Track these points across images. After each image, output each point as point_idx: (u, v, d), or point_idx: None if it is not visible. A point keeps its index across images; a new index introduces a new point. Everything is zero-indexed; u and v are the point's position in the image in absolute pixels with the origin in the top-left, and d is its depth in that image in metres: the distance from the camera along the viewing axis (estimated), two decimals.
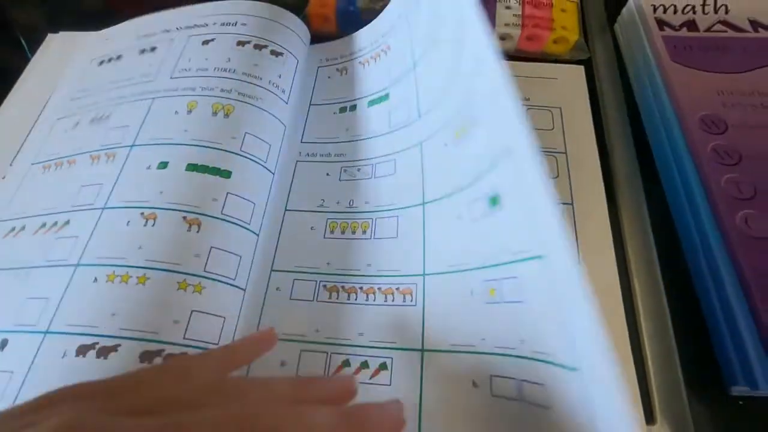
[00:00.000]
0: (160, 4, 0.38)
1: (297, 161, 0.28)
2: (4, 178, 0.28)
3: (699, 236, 0.24)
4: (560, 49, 0.34)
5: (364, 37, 0.33)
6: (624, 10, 0.34)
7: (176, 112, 0.26)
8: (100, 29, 0.34)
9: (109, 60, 0.31)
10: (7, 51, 0.39)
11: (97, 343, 0.20)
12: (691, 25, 0.31)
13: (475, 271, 0.22)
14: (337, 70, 0.32)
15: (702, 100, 0.28)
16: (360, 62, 0.32)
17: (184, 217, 0.22)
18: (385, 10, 0.32)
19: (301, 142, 0.29)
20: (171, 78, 0.28)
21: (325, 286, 0.24)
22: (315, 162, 0.28)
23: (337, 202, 0.26)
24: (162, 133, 0.25)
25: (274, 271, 0.24)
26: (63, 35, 0.35)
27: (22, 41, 0.38)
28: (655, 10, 0.32)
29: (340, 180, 0.27)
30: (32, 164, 0.27)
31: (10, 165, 0.28)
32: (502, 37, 0.33)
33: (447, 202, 0.24)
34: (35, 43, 0.35)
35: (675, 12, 0.32)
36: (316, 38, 0.34)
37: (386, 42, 0.31)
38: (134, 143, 0.25)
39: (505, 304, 0.21)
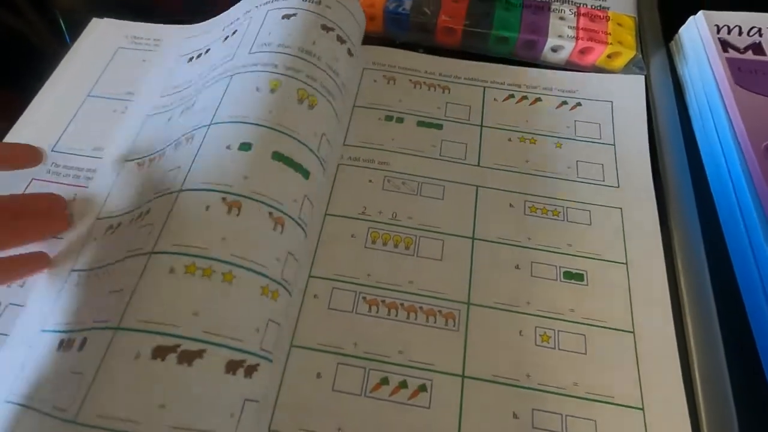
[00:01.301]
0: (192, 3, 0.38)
1: (339, 164, 0.28)
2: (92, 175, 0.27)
3: (759, 272, 0.23)
4: (615, 64, 0.32)
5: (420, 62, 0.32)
6: (683, 28, 0.33)
7: (257, 89, 0.23)
8: (140, 15, 0.34)
9: (198, 56, 0.30)
10: (46, 33, 0.39)
11: (179, 345, 0.17)
12: (757, 48, 0.30)
13: (526, 316, 0.22)
14: (385, 77, 0.31)
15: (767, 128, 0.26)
16: (411, 81, 0.31)
17: (270, 213, 0.21)
18: None
19: (344, 144, 0.28)
20: (250, 53, 0.25)
21: (364, 298, 0.23)
22: (357, 167, 0.27)
23: (380, 212, 0.26)
24: (242, 111, 0.22)
25: (312, 277, 0.24)
26: (108, 21, 0.34)
27: (62, 24, 0.37)
28: (718, 30, 0.31)
29: (383, 189, 0.26)
30: (126, 161, 0.26)
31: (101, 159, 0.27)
32: (554, 49, 0.32)
33: (501, 249, 0.24)
34: (74, 27, 0.35)
35: (740, 33, 0.31)
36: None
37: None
38: (212, 122, 0.23)
39: (561, 351, 0.21)
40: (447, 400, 0.20)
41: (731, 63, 0.29)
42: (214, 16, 0.33)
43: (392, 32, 0.34)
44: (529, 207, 0.26)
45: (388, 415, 0.20)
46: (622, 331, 0.23)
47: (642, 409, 0.21)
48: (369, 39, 0.34)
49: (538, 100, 0.31)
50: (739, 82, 0.28)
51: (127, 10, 0.35)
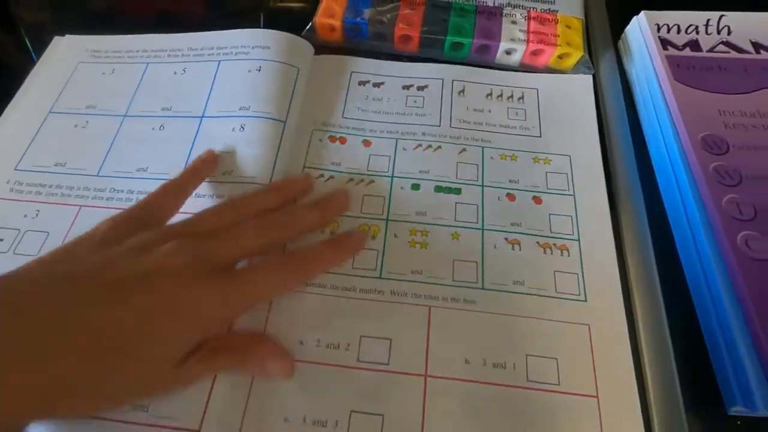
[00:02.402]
0: (165, 7, 0.39)
1: None
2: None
3: (700, 257, 0.25)
4: (564, 64, 0.34)
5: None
6: (628, 28, 0.35)
7: None
8: (106, 31, 0.35)
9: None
10: (13, 50, 0.39)
11: None
12: (694, 45, 0.32)
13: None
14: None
15: (704, 120, 0.28)
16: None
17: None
18: None
19: None
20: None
21: None
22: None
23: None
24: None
25: None
26: (69, 38, 0.35)
27: (27, 42, 0.38)
28: (659, 29, 0.33)
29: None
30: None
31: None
32: (508, 52, 0.34)
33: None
34: (40, 44, 0.35)
35: (678, 32, 0.32)
36: (322, 49, 0.34)
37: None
38: None
39: None
40: None
41: (671, 60, 0.31)
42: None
43: (352, 41, 0.35)
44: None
45: None
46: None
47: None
48: (330, 49, 0.35)
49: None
50: (678, 78, 0.30)
51: (94, 24, 0.36)
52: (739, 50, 0.32)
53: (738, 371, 0.21)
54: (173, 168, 0.27)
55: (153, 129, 0.29)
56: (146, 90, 0.31)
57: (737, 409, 0.21)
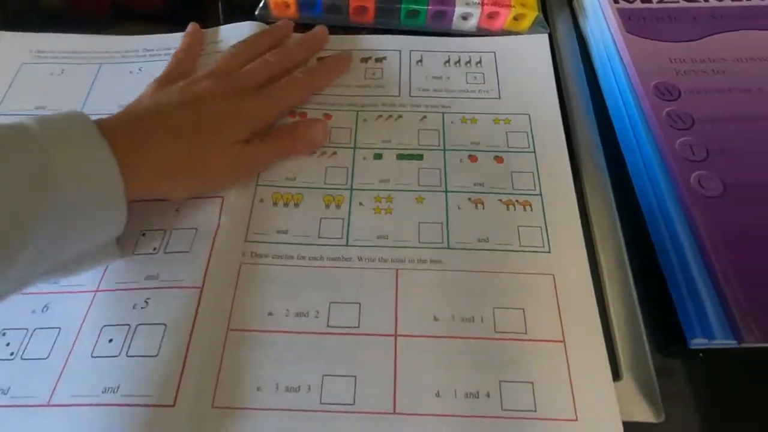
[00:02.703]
0: (119, 6, 0.38)
1: None
2: None
3: (657, 199, 0.25)
4: (521, 26, 0.34)
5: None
6: None
7: None
8: (60, 30, 0.34)
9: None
10: None
11: None
12: None
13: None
14: None
15: (656, 68, 0.29)
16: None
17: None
18: None
19: None
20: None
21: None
22: None
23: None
24: None
25: None
26: (11, 35, 0.34)
27: None
28: None
29: None
30: None
31: None
32: (464, 17, 0.34)
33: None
34: None
35: None
36: None
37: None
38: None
39: None
40: None
41: (622, 13, 0.31)
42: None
43: (307, 17, 0.35)
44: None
45: None
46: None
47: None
48: None
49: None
50: (630, 30, 0.30)
51: (39, 21, 0.35)
52: None
53: (696, 303, 0.22)
54: None
55: None
56: (101, 90, 0.31)
57: (697, 341, 0.22)
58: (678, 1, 0.32)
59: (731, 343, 0.21)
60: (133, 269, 0.24)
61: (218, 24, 0.34)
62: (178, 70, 0.30)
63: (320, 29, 0.33)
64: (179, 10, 0.38)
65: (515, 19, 0.34)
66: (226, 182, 0.26)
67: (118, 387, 0.21)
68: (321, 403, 0.21)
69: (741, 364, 0.23)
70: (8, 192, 0.18)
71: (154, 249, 0.24)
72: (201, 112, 0.25)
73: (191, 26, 0.33)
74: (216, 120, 0.25)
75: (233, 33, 0.33)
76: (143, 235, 0.25)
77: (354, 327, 0.23)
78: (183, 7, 0.38)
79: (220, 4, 0.37)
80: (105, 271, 0.24)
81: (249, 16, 0.34)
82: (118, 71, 0.32)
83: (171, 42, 0.33)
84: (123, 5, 0.38)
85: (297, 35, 0.33)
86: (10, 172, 0.18)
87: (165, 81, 0.28)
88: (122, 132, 0.22)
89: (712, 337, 0.21)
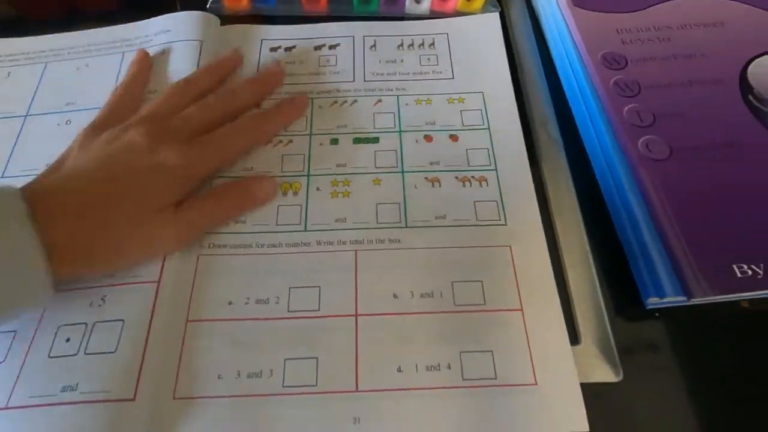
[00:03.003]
0: (74, 9, 0.37)
1: None
2: None
3: (608, 164, 0.26)
4: (473, 6, 0.34)
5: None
6: None
7: None
8: (11, 36, 0.33)
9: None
10: None
11: None
12: None
13: None
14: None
15: (603, 39, 0.29)
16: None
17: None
18: None
19: None
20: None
21: None
22: None
23: None
24: None
25: None
26: None
27: None
28: None
29: None
30: None
31: None
32: (417, 0, 0.34)
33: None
34: None
35: None
36: (233, 19, 0.34)
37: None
38: None
39: None
40: None
41: None
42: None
43: (260, 8, 0.35)
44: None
45: None
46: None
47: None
48: (241, 18, 0.34)
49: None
50: (576, 3, 0.31)
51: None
52: None
53: (648, 264, 0.23)
54: None
55: (59, 125, 0.29)
56: (48, 88, 0.30)
57: (652, 300, 0.23)
58: None
59: (682, 300, 0.22)
60: None
61: None
62: (113, 115, 0.26)
63: (275, 66, 0.30)
64: (134, 4, 0.37)
65: (467, 0, 0.34)
66: (158, 254, 0.23)
67: (77, 385, 0.20)
68: (284, 386, 0.21)
69: (693, 323, 0.23)
70: None
71: None
72: (118, 176, 0.22)
73: (138, 53, 0.30)
74: (135, 184, 0.22)
75: (179, 23, 0.32)
76: None
77: (315, 310, 0.23)
78: (138, 2, 0.37)
79: (177, 2, 0.37)
80: None
81: (203, 8, 0.34)
82: (64, 68, 0.31)
83: (116, 35, 0.32)
84: (77, 8, 0.38)
85: (249, 77, 0.30)
86: None
87: (93, 132, 0.25)
88: (41, 208, 0.20)
89: (664, 294, 0.22)
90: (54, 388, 0.20)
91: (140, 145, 0.23)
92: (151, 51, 0.31)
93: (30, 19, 0.37)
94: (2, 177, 0.27)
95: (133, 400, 0.20)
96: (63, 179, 0.22)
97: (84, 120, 0.28)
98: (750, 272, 0.21)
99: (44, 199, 0.21)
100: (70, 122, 0.29)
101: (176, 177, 0.23)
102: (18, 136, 0.28)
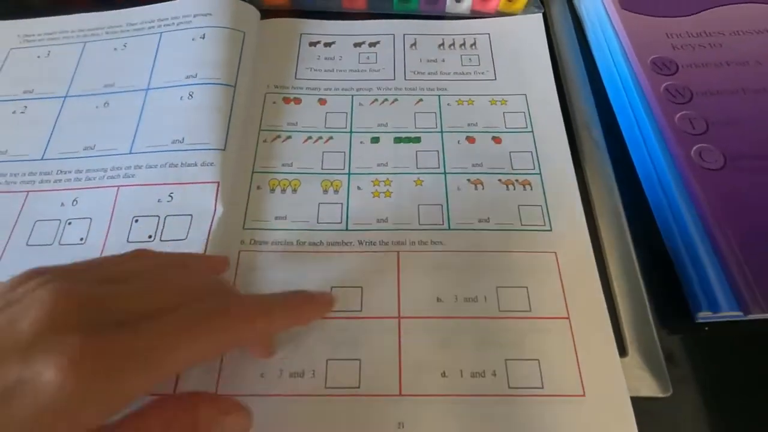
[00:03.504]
0: None
1: None
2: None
3: (657, 172, 0.25)
4: (515, 6, 0.34)
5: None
6: None
7: None
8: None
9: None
10: None
11: None
12: None
13: None
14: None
15: (652, 44, 0.28)
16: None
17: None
18: None
19: None
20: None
21: None
22: None
23: None
24: None
25: None
26: None
27: None
28: None
29: None
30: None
31: None
32: (458, 0, 0.33)
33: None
34: None
35: None
36: (271, 13, 0.33)
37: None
38: None
39: None
40: None
41: None
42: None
43: (300, 3, 0.34)
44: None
45: None
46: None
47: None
48: (279, 12, 0.34)
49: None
50: (625, 6, 0.30)
51: (27, 13, 0.34)
52: None
53: (701, 277, 0.22)
54: (121, 143, 0.26)
55: (97, 107, 0.28)
56: (86, 69, 0.30)
57: (703, 314, 0.22)
58: None
59: (737, 315, 0.21)
60: None
61: None
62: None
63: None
64: None
65: (509, 0, 0.33)
66: None
67: None
68: (326, 387, 0.21)
69: (745, 338, 0.23)
70: None
71: (150, 236, 0.24)
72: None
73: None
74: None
75: (222, 8, 0.31)
76: (136, 221, 0.24)
77: (357, 311, 0.22)
78: None
79: None
80: None
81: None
82: (102, 48, 0.31)
83: (154, 14, 0.32)
84: None
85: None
86: None
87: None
88: None
89: (718, 309, 0.21)
90: None
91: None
92: (191, 33, 0.30)
93: (62, 4, 0.37)
94: (42, 159, 0.27)
95: (173, 391, 0.20)
96: None
97: (122, 102, 0.28)
98: None
99: None
100: (108, 104, 0.28)
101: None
102: (57, 117, 0.28)
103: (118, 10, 0.32)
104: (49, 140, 0.27)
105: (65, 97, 0.29)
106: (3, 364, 0.12)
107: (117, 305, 0.15)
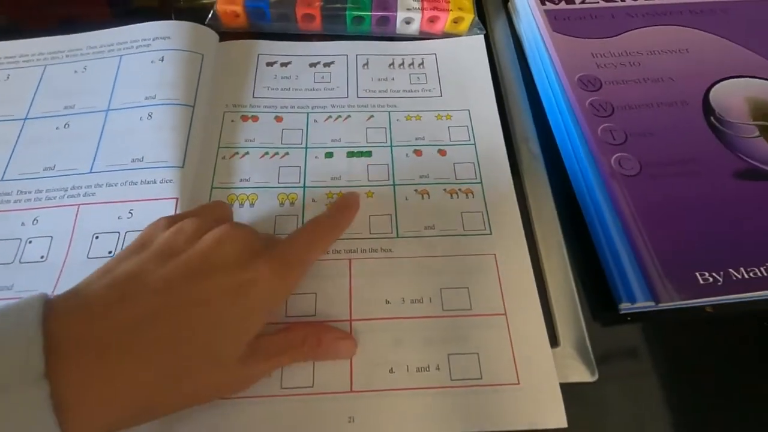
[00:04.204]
0: (65, 19, 0.38)
1: None
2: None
3: (584, 179, 0.28)
4: (460, 27, 0.36)
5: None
6: None
7: None
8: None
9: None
10: None
11: None
12: None
13: None
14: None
15: (579, 63, 0.31)
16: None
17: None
18: None
19: None
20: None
21: None
22: None
23: None
24: None
25: None
26: None
27: None
28: None
29: None
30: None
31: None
32: (407, 21, 0.36)
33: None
34: None
35: None
36: (230, 35, 0.35)
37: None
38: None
39: None
40: None
41: (549, 14, 0.34)
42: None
43: (257, 25, 0.36)
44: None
45: None
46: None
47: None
48: (238, 34, 0.35)
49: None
50: (556, 29, 0.33)
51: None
52: None
53: (620, 271, 0.25)
54: (82, 163, 0.27)
55: (57, 128, 0.29)
56: (46, 91, 0.31)
57: (624, 305, 0.24)
58: (598, 2, 0.35)
59: (651, 305, 0.24)
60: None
61: None
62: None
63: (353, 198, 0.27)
64: (128, 16, 0.38)
65: (454, 21, 0.36)
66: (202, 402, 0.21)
67: None
68: (282, 387, 0.22)
69: (662, 326, 0.25)
70: None
71: (110, 252, 0.25)
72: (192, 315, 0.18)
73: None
74: (219, 322, 0.19)
75: (180, 32, 0.32)
76: (96, 237, 0.25)
77: (311, 315, 0.24)
78: (134, 18, 0.38)
79: (172, 13, 0.38)
80: None
81: (200, 20, 0.34)
82: (62, 71, 0.32)
83: (114, 38, 0.33)
84: (72, 17, 0.39)
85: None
86: None
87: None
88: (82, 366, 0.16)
89: (635, 300, 0.24)
90: None
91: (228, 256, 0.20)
92: (150, 56, 0.31)
93: (26, 30, 0.38)
94: (2, 180, 0.27)
95: None
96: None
97: (82, 123, 0.29)
98: (711, 279, 0.23)
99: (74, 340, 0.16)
100: (69, 125, 0.29)
101: (267, 299, 0.21)
102: (17, 139, 0.29)
103: (78, 34, 0.33)
104: (8, 162, 0.28)
105: (25, 119, 0.30)
106: (232, 271, 0.19)
107: (262, 235, 0.23)
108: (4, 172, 0.28)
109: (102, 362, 0.16)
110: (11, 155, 0.28)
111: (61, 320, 0.16)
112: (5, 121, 0.30)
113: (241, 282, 0.19)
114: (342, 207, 0.26)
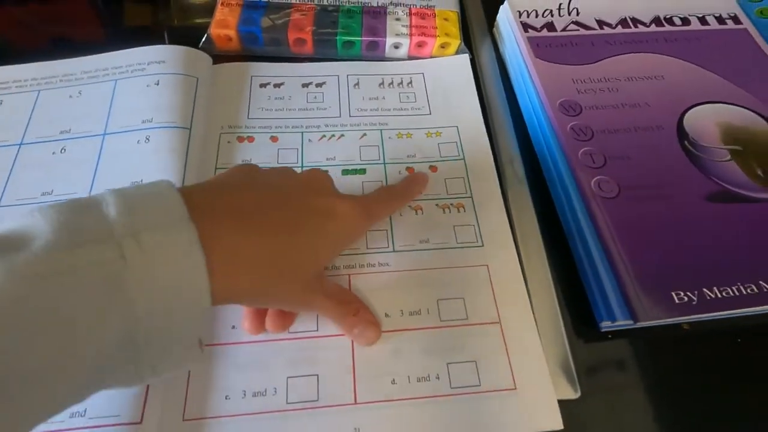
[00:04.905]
0: (57, 37, 0.38)
1: None
2: None
3: (566, 199, 0.29)
4: (447, 52, 0.38)
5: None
6: (498, 16, 0.40)
7: None
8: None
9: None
10: None
11: None
12: (550, 26, 0.37)
13: None
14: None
15: (561, 88, 0.33)
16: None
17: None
18: None
19: None
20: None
21: None
22: None
23: None
24: None
25: None
26: None
27: None
28: (520, 15, 0.37)
29: None
30: None
31: None
32: (396, 46, 0.37)
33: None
34: None
35: (536, 16, 0.38)
36: (223, 58, 0.36)
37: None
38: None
39: None
40: None
41: (531, 41, 0.36)
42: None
43: (250, 49, 0.37)
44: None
45: None
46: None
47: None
48: (231, 57, 0.36)
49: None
50: (538, 55, 0.35)
51: None
52: (587, 27, 0.37)
53: (601, 291, 0.26)
54: (80, 187, 0.28)
55: (54, 153, 0.29)
56: (41, 116, 0.31)
57: (605, 324, 0.26)
58: (578, 30, 0.37)
59: (630, 324, 0.25)
60: None
61: None
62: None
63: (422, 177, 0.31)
64: (121, 36, 0.39)
65: (441, 47, 0.38)
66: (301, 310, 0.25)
67: (85, 411, 0.22)
68: (287, 402, 0.23)
69: (642, 344, 0.26)
70: (74, 309, 0.15)
71: None
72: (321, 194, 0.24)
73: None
74: (330, 206, 0.23)
75: (175, 55, 0.33)
76: None
77: (313, 331, 0.25)
78: (127, 37, 0.39)
79: (165, 35, 0.39)
80: None
81: (194, 43, 0.35)
82: (57, 96, 0.32)
83: (109, 62, 0.33)
84: (64, 37, 0.39)
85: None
86: (79, 284, 0.15)
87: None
88: (217, 224, 0.18)
89: (615, 318, 0.25)
90: (63, 415, 0.21)
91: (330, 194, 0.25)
92: (145, 80, 0.32)
93: (17, 48, 0.38)
94: None
95: (140, 423, 0.21)
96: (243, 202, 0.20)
97: (80, 148, 0.29)
98: (686, 298, 0.25)
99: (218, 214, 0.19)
100: (65, 150, 0.30)
101: (348, 234, 0.25)
102: (13, 165, 0.29)
103: (71, 59, 0.34)
104: (5, 187, 0.28)
105: (20, 144, 0.30)
106: (332, 199, 0.23)
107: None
108: (1, 198, 0.28)
109: (236, 226, 0.19)
110: (7, 181, 0.28)
111: (193, 192, 0.19)
112: (0, 147, 0.30)
113: (336, 209, 0.23)
114: (413, 181, 0.30)
